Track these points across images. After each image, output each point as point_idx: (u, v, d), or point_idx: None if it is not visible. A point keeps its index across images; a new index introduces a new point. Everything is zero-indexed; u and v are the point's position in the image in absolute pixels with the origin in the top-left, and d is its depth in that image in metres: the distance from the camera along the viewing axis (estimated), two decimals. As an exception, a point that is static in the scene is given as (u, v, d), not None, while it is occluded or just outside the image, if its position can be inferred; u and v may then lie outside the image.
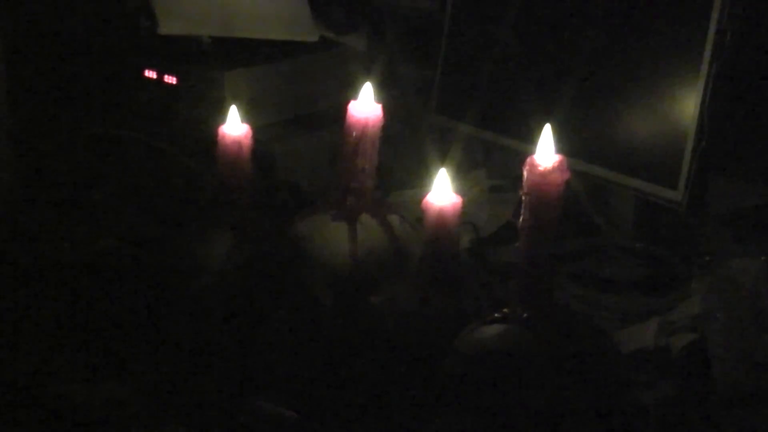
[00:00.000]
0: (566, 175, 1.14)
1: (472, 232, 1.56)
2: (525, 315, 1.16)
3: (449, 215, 1.23)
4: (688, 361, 1.28)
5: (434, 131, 1.75)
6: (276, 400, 1.23)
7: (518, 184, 1.16)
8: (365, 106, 1.35)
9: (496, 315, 1.18)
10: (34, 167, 1.68)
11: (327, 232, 1.36)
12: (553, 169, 1.13)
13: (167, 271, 1.40)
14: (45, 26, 1.78)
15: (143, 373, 1.29)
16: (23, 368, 1.31)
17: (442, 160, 1.38)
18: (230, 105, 1.38)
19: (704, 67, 1.43)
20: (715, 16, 1.42)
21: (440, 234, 1.23)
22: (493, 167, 1.73)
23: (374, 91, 1.36)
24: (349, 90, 1.39)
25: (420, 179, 1.48)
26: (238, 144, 1.35)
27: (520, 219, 1.16)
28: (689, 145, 1.45)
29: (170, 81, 1.74)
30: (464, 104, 1.72)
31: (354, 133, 1.34)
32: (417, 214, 1.28)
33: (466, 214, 1.27)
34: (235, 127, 1.36)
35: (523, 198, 1.15)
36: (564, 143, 1.19)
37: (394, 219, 1.38)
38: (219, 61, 1.73)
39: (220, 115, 1.38)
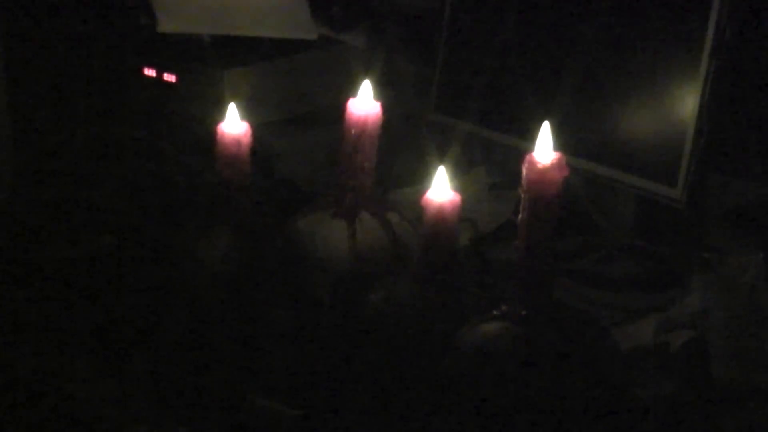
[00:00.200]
0: (565, 173, 1.14)
1: (472, 229, 1.56)
2: (524, 312, 1.16)
3: (448, 213, 1.23)
4: (686, 358, 1.28)
5: (433, 129, 1.75)
6: (276, 398, 1.23)
7: (517, 181, 1.16)
8: (364, 104, 1.35)
9: (495, 312, 1.18)
10: (34, 165, 1.68)
11: (326, 230, 1.36)
12: (552, 167, 1.13)
13: (167, 269, 1.40)
14: (44, 24, 1.78)
15: (143, 372, 1.29)
16: (23, 367, 1.31)
17: (442, 157, 1.38)
18: (229, 103, 1.38)
19: (704, 65, 1.43)
20: (714, 13, 1.42)
21: (439, 231, 1.23)
22: (493, 165, 1.73)
23: (373, 89, 1.36)
24: (349, 88, 1.39)
25: (419, 177, 1.48)
26: (237, 142, 1.35)
27: (519, 216, 1.16)
28: (688, 143, 1.45)
29: (169, 79, 1.74)
30: (463, 102, 1.72)
31: (353, 131, 1.34)
32: (416, 212, 1.27)
33: (465, 211, 1.27)
34: (234, 125, 1.36)
35: (522, 196, 1.15)
36: (563, 141, 1.19)
37: (393, 217, 1.38)
38: (218, 60, 1.73)
39: (219, 113, 1.38)
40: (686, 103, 1.45)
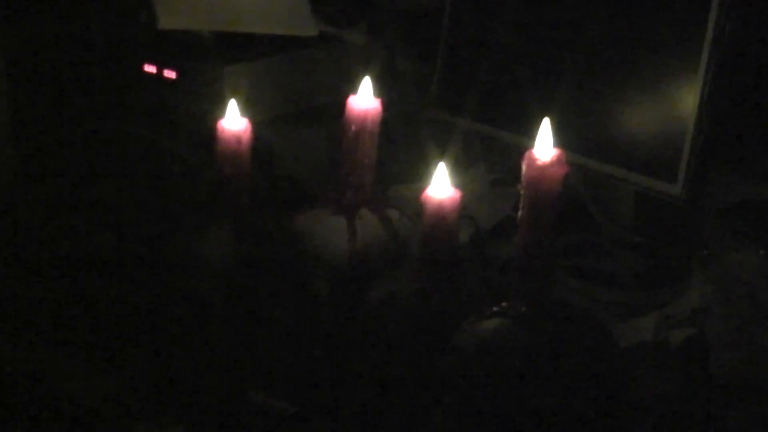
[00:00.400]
0: (565, 169, 1.14)
1: (472, 226, 1.56)
2: (524, 309, 1.16)
3: (448, 209, 1.23)
4: (687, 355, 1.28)
5: (433, 126, 1.75)
6: (275, 395, 1.23)
7: (517, 178, 1.16)
8: (364, 101, 1.35)
9: (495, 309, 1.18)
10: (34, 163, 1.68)
11: (326, 227, 1.36)
12: (552, 163, 1.13)
13: (166, 266, 1.40)
14: (44, 21, 1.78)
15: (143, 369, 1.29)
16: (22, 364, 1.31)
17: (441, 154, 1.38)
18: (229, 100, 1.38)
19: (703, 61, 1.43)
20: (714, 9, 1.42)
21: (439, 228, 1.23)
22: (493, 161, 1.73)
23: (373, 86, 1.36)
24: (349, 84, 1.39)
25: (419, 174, 1.48)
26: (237, 138, 1.35)
27: (519, 213, 1.16)
28: (688, 139, 1.45)
29: (170, 76, 1.74)
30: (463, 99, 1.72)
31: (353, 128, 1.34)
32: (416, 209, 1.28)
33: (465, 208, 1.27)
34: (234, 121, 1.36)
35: (522, 192, 1.15)
36: (563, 137, 1.19)
37: (393, 213, 1.38)
38: (218, 56, 1.73)
39: (219, 110, 1.38)
40: (686, 99, 1.45)
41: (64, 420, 1.25)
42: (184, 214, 1.51)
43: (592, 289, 1.46)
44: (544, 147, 1.15)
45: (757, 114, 1.63)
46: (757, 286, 1.31)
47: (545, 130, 1.16)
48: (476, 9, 1.72)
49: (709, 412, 1.22)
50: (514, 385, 1.13)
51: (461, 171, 1.56)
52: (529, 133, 1.21)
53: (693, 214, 1.53)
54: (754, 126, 1.64)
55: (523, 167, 1.14)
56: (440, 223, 1.23)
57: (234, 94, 1.42)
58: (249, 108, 1.40)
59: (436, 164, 1.25)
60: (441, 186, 1.24)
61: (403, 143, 1.72)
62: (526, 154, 1.15)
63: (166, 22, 1.73)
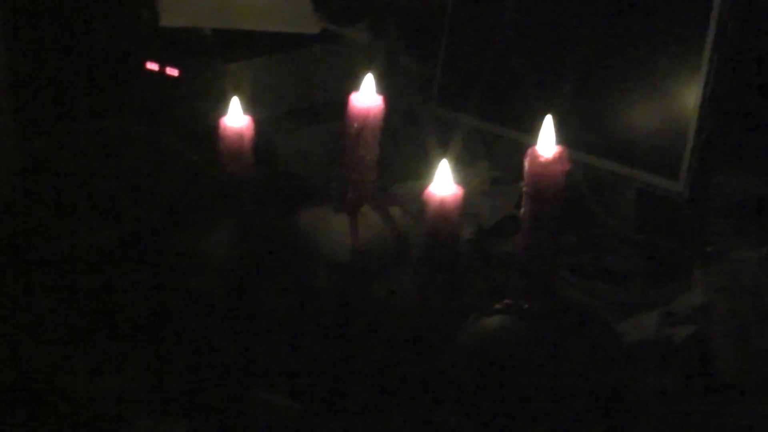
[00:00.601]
0: (567, 166, 1.14)
1: (474, 223, 1.56)
2: (526, 306, 1.16)
3: (450, 206, 1.23)
4: (689, 353, 1.28)
5: (435, 123, 1.75)
6: (278, 392, 1.23)
7: (519, 175, 1.16)
8: (366, 98, 1.35)
9: (497, 306, 1.18)
10: (35, 161, 1.68)
11: (328, 224, 1.36)
12: (554, 160, 1.13)
13: (169, 263, 1.41)
14: (46, 19, 1.78)
15: (145, 367, 1.29)
16: (24, 361, 1.31)
17: (444, 151, 1.38)
18: (232, 97, 1.38)
19: (706, 58, 1.43)
20: (716, 6, 1.42)
21: (441, 225, 1.23)
22: (495, 159, 1.73)
23: (375, 83, 1.36)
24: (351, 82, 1.39)
25: (421, 171, 1.48)
26: (239, 136, 1.35)
27: (521, 210, 1.16)
28: (691, 136, 1.45)
29: (172, 73, 1.74)
30: (465, 96, 1.72)
31: (355, 125, 1.34)
32: (418, 206, 1.28)
33: (467, 205, 1.27)
34: (236, 118, 1.36)
35: (524, 189, 1.15)
36: (565, 134, 1.19)
37: (395, 211, 1.38)
38: (221, 53, 1.73)
39: (221, 107, 1.38)
40: (688, 96, 1.45)
41: (66, 418, 1.25)
42: (187, 212, 1.51)
43: (594, 287, 1.46)
44: (547, 144, 1.15)
45: (759, 111, 1.63)
46: (760, 284, 1.31)
47: (547, 127, 1.16)
48: (478, 6, 1.72)
49: (710, 410, 1.22)
50: (516, 382, 1.13)
51: (463, 168, 1.56)
52: (531, 130, 1.21)
53: (695, 212, 1.52)
54: (757, 123, 1.64)
55: (526, 164, 1.14)
56: (442, 220, 1.23)
57: (236, 92, 1.42)
58: (251, 105, 1.40)
59: (438, 161, 1.25)
60: (443, 183, 1.24)
61: (405, 141, 1.72)
62: (529, 151, 1.15)
63: (168, 19, 1.73)
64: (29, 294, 1.43)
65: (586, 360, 1.15)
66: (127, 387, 1.27)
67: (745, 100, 1.60)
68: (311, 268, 1.36)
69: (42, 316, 1.39)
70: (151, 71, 1.76)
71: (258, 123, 1.37)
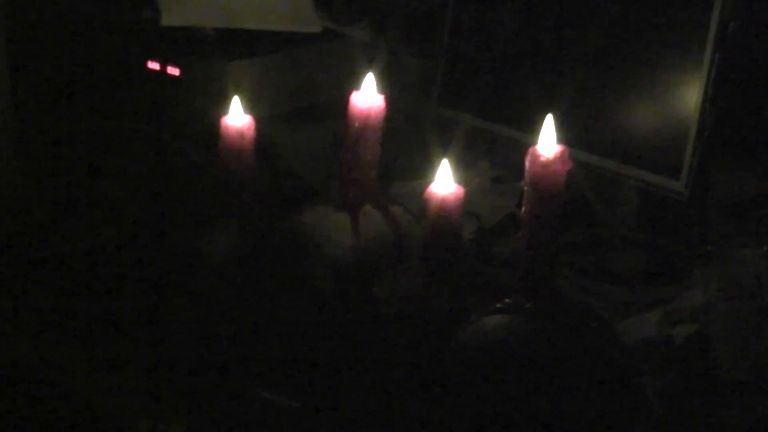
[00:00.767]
0: (568, 166, 1.14)
1: (475, 222, 1.56)
2: (527, 305, 1.16)
3: (451, 206, 1.23)
4: (690, 351, 1.28)
5: (437, 122, 1.75)
6: (278, 391, 1.23)
7: (521, 174, 1.16)
8: (368, 97, 1.35)
9: (498, 305, 1.18)
10: (37, 159, 1.68)
11: (329, 223, 1.36)
12: (555, 160, 1.13)
13: (170, 262, 1.41)
14: (47, 18, 1.78)
15: (145, 366, 1.29)
16: (25, 360, 1.31)
17: (445, 151, 1.38)
18: (233, 96, 1.38)
19: (707, 57, 1.43)
20: (718, 6, 1.42)
21: (442, 224, 1.23)
22: (496, 158, 1.73)
23: (376, 82, 1.36)
24: (352, 81, 1.39)
25: (422, 170, 1.48)
26: (240, 135, 1.35)
27: (523, 209, 1.16)
28: (692, 136, 1.45)
29: (173, 72, 1.74)
30: (467, 95, 1.72)
31: (356, 124, 1.34)
32: (419, 205, 1.28)
33: (468, 204, 1.27)
34: (237, 118, 1.36)
35: (525, 189, 1.15)
36: (566, 133, 1.19)
37: (396, 210, 1.38)
38: (222, 53, 1.73)
39: (222, 106, 1.38)
40: (689, 95, 1.45)
41: (66, 417, 1.25)
42: (187, 211, 1.51)
43: (594, 286, 1.46)
44: (548, 143, 1.15)
45: (761, 110, 1.63)
46: (761, 283, 1.31)
47: (548, 126, 1.16)
48: (479, 5, 1.72)
49: (711, 409, 1.22)
50: (517, 381, 1.13)
51: (464, 167, 1.56)
52: (532, 129, 1.21)
53: (696, 211, 1.52)
54: (758, 122, 1.64)
55: (527, 164, 1.14)
56: (443, 219, 1.23)
57: (237, 91, 1.42)
58: (252, 104, 1.40)
59: (439, 161, 1.25)
60: (444, 182, 1.24)
61: (406, 140, 1.72)
62: (530, 150, 1.15)
63: (170, 18, 1.73)
64: (29, 294, 1.43)
65: (587, 359, 1.15)
66: (127, 386, 1.27)
67: (745, 100, 1.60)
68: (312, 268, 1.36)
69: (42, 316, 1.39)
70: (152, 70, 1.76)
71: (259, 122, 1.37)
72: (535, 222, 1.15)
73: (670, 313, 1.34)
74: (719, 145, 1.49)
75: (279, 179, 1.64)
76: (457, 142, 1.61)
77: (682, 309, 1.34)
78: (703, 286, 1.34)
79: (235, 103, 1.38)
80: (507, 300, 1.18)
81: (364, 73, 1.37)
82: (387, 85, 1.38)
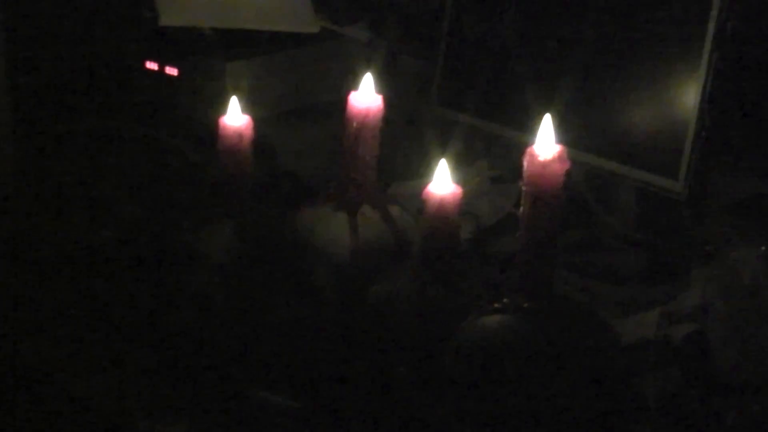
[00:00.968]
0: (566, 166, 1.14)
1: (473, 222, 1.56)
2: (525, 305, 1.16)
3: (450, 206, 1.23)
4: (688, 351, 1.28)
5: (435, 122, 1.75)
6: (277, 391, 1.23)
7: (519, 174, 1.16)
8: (366, 97, 1.35)
9: (496, 305, 1.18)
10: (35, 160, 1.68)
11: (328, 223, 1.36)
12: (554, 160, 1.13)
13: (168, 263, 1.41)
14: (45, 18, 1.78)
15: (144, 366, 1.29)
16: (23, 360, 1.31)
17: (443, 151, 1.38)
18: (231, 96, 1.38)
19: (705, 57, 1.43)
20: (716, 5, 1.42)
21: (441, 224, 1.23)
22: (494, 158, 1.73)
23: (375, 82, 1.36)
24: (350, 81, 1.39)
25: (421, 170, 1.48)
26: (238, 135, 1.35)
27: (521, 210, 1.16)
28: (690, 136, 1.45)
29: (171, 72, 1.74)
30: (465, 95, 1.72)
31: (354, 124, 1.34)
32: (418, 205, 1.28)
33: (466, 204, 1.27)
34: (236, 118, 1.36)
35: (524, 189, 1.15)
36: (564, 133, 1.19)
37: (394, 210, 1.38)
38: (220, 53, 1.73)
39: (221, 107, 1.38)
40: (688, 95, 1.45)
41: (66, 417, 1.25)
42: (186, 211, 1.51)
43: (593, 286, 1.46)
44: (546, 143, 1.15)
45: (759, 110, 1.63)
46: (759, 283, 1.31)
47: (547, 126, 1.16)
48: (478, 5, 1.72)
49: (710, 409, 1.22)
50: (516, 382, 1.13)
51: (462, 167, 1.56)
52: (530, 129, 1.21)
53: (695, 211, 1.52)
54: (756, 122, 1.64)
55: (525, 164, 1.14)
56: (441, 219, 1.23)
57: (235, 91, 1.42)
58: (250, 105, 1.40)
59: (438, 161, 1.25)
60: (442, 182, 1.24)
61: (404, 140, 1.72)
62: (528, 150, 1.15)
63: (168, 19, 1.73)
64: (29, 293, 1.43)
65: (585, 359, 1.15)
66: (126, 386, 1.27)
67: (744, 100, 1.60)
68: (310, 268, 1.36)
69: (41, 316, 1.39)
70: (151, 70, 1.76)
71: (257, 122, 1.37)
72: (533, 222, 1.15)
73: (668, 313, 1.34)
74: (718, 145, 1.49)
75: (277, 179, 1.64)
76: (455, 142, 1.61)
77: (680, 309, 1.34)
78: (702, 286, 1.33)
79: (233, 103, 1.38)
80: (505, 300, 1.18)
81: (362, 73, 1.37)
82: (385, 85, 1.38)
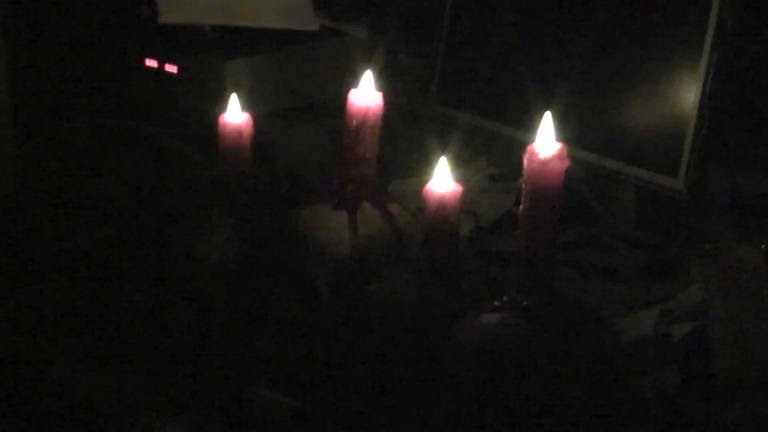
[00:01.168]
0: (566, 164, 1.14)
1: (473, 220, 1.56)
2: (525, 303, 1.16)
3: (449, 204, 1.23)
4: (688, 350, 1.28)
5: (435, 120, 1.75)
6: (275, 389, 1.23)
7: (519, 172, 1.16)
8: (366, 95, 1.35)
9: (496, 303, 1.18)
10: (35, 157, 1.68)
11: (327, 221, 1.36)
12: (553, 158, 1.13)
13: (167, 260, 1.40)
14: (45, 15, 1.78)
15: (144, 365, 1.29)
16: (22, 357, 1.31)
17: (443, 148, 1.38)
18: (231, 94, 1.38)
19: (705, 55, 1.43)
20: (716, 3, 1.42)
21: (440, 223, 1.23)
22: (494, 156, 1.73)
23: (375, 80, 1.36)
24: (350, 79, 1.39)
25: (421, 168, 1.48)
26: (238, 132, 1.35)
27: (521, 207, 1.16)
28: (690, 134, 1.45)
29: (171, 70, 1.74)
30: (465, 93, 1.72)
31: (354, 122, 1.34)
32: (418, 203, 1.28)
33: (466, 202, 1.27)
34: (235, 115, 1.36)
35: (523, 187, 1.15)
36: (564, 131, 1.19)
37: (394, 208, 1.38)
38: (220, 50, 1.73)
39: (220, 104, 1.38)
40: (688, 94, 1.45)
41: (65, 415, 1.25)
42: (185, 209, 1.51)
43: (593, 284, 1.46)
44: (546, 141, 1.15)
45: (759, 109, 1.63)
46: (759, 282, 1.31)
47: (547, 124, 1.16)
48: (478, 3, 1.72)
49: (709, 407, 1.22)
50: (515, 379, 1.13)
51: (462, 165, 1.57)
52: (530, 127, 1.21)
53: (694, 209, 1.52)
54: (756, 121, 1.63)
55: (525, 162, 1.14)
56: (441, 217, 1.23)
57: (235, 89, 1.42)
58: (250, 102, 1.40)
59: (438, 159, 1.25)
60: (442, 180, 1.24)
61: (404, 138, 1.72)
62: (528, 148, 1.14)
63: (167, 16, 1.72)
64: (28, 291, 1.42)
65: (585, 357, 1.15)
66: (125, 384, 1.27)
67: (744, 98, 1.60)
68: (310, 266, 1.36)
69: (40, 314, 1.39)
70: (150, 68, 1.76)
71: (257, 120, 1.37)
72: (533, 220, 1.15)
73: (668, 312, 1.34)
74: (718, 143, 1.49)
75: (277, 177, 1.64)
76: (455, 140, 1.61)
77: (680, 307, 1.34)
78: (702, 284, 1.33)
79: (233, 101, 1.38)
80: (505, 298, 1.18)
81: (362, 71, 1.37)
82: (385, 83, 1.38)
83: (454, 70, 1.75)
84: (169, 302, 1.35)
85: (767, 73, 1.61)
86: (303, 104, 1.79)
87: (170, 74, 1.74)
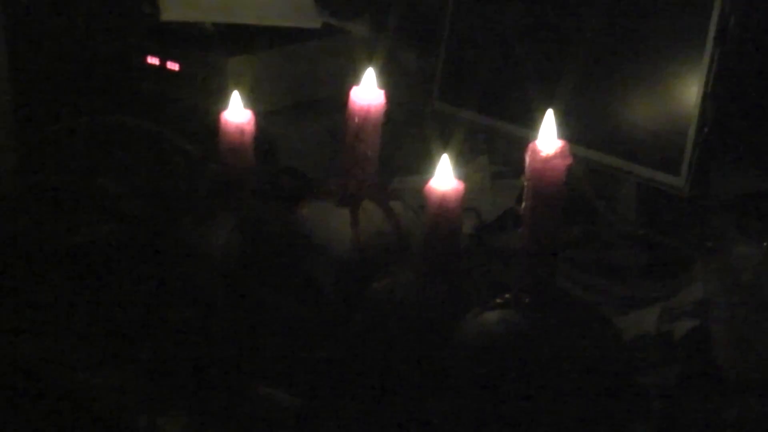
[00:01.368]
0: (568, 161, 1.14)
1: (475, 218, 1.56)
2: (527, 301, 1.16)
3: (451, 201, 1.23)
4: (689, 347, 1.28)
5: (436, 118, 1.75)
6: (277, 386, 1.23)
7: (521, 170, 1.16)
8: (367, 93, 1.34)
9: (498, 301, 1.18)
10: (36, 153, 1.68)
11: (329, 219, 1.36)
12: (556, 155, 1.13)
13: (169, 257, 1.40)
14: (47, 13, 1.78)
15: (145, 362, 1.29)
16: (25, 355, 1.31)
17: (445, 146, 1.38)
18: (232, 91, 1.38)
19: (707, 53, 1.43)
20: (718, 2, 1.42)
21: (442, 220, 1.23)
22: (496, 153, 1.73)
23: (376, 78, 1.36)
24: (352, 76, 1.39)
25: (422, 165, 1.48)
26: (240, 130, 1.35)
27: (523, 205, 1.16)
28: (692, 131, 1.45)
29: (173, 67, 1.74)
30: (466, 91, 1.72)
31: (356, 120, 1.34)
32: (419, 201, 1.27)
33: (468, 200, 1.27)
34: (237, 113, 1.36)
35: (525, 184, 1.15)
36: (566, 129, 1.19)
37: (396, 205, 1.38)
38: (221, 48, 1.73)
39: (222, 102, 1.38)
40: (690, 91, 1.45)
41: (68, 411, 1.25)
42: (187, 207, 1.51)
43: (594, 282, 1.46)
44: (548, 139, 1.15)
45: (761, 107, 1.63)
46: (760, 279, 1.31)
47: (549, 122, 1.16)
48: (480, 1, 1.72)
49: (711, 404, 1.22)
50: (517, 376, 1.13)
51: (464, 163, 1.56)
52: (532, 125, 1.21)
53: (696, 207, 1.52)
54: (758, 118, 1.63)
55: (527, 159, 1.14)
56: (443, 214, 1.23)
57: (237, 86, 1.42)
58: (252, 100, 1.40)
59: (440, 156, 1.25)
60: (444, 178, 1.23)
61: (406, 135, 1.72)
62: (530, 146, 1.14)
63: (169, 14, 1.73)
64: (29, 290, 1.42)
65: (587, 355, 1.15)
66: (126, 382, 1.27)
67: (746, 96, 1.60)
68: (312, 263, 1.36)
69: (42, 312, 1.39)
70: (152, 66, 1.76)
71: (259, 117, 1.37)
72: (535, 218, 1.15)
73: (669, 309, 1.34)
74: (719, 141, 1.49)
75: (278, 174, 1.64)
76: (457, 137, 1.60)
77: (681, 305, 1.34)
78: (703, 282, 1.33)
79: (235, 99, 1.37)
80: (507, 295, 1.18)
81: (364, 69, 1.37)
82: (387, 81, 1.38)
83: (455, 67, 1.75)
84: (170, 300, 1.35)
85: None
86: (305, 102, 1.79)
87: (172, 72, 1.74)
